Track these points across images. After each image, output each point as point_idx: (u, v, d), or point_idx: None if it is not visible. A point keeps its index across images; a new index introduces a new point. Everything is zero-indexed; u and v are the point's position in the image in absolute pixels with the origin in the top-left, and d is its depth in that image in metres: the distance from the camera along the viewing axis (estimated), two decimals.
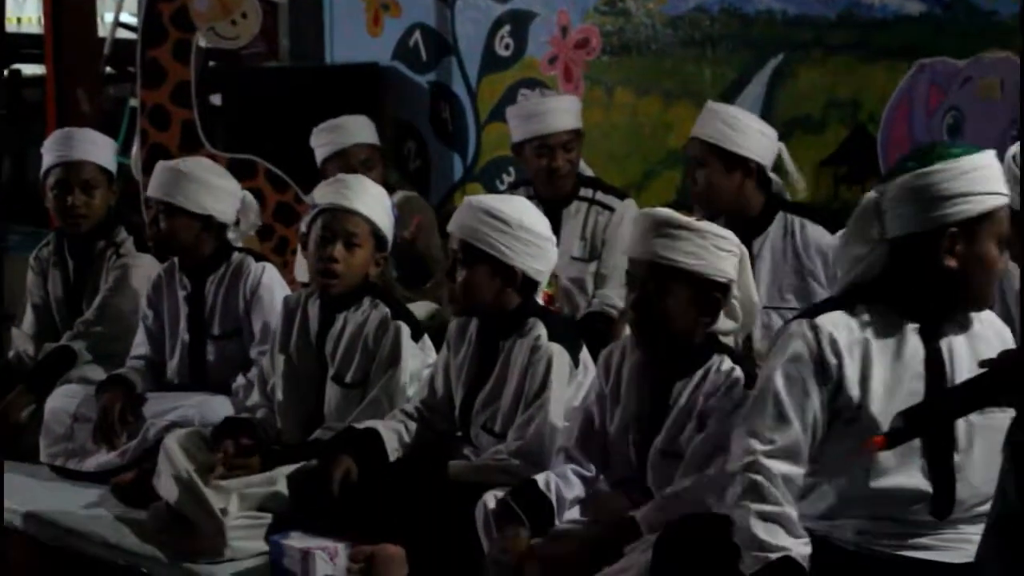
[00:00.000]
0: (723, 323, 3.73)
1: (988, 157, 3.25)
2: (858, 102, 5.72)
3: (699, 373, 3.71)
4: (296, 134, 6.36)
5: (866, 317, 3.26)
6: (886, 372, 3.23)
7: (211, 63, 7.82)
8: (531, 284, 4.19)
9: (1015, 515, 2.40)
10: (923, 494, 3.23)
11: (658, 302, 3.67)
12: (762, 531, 3.14)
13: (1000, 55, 5.21)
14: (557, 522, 3.78)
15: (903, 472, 3.23)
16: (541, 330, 4.11)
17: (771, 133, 5.11)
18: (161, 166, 5.23)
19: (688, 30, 6.26)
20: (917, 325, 3.27)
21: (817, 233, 4.94)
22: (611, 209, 5.72)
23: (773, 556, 3.11)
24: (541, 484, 3.79)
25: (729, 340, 3.78)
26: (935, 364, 3.25)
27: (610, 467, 3.88)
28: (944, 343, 3.27)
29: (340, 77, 7.39)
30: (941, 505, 3.24)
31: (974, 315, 3.32)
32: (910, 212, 3.20)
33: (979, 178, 3.19)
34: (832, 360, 3.22)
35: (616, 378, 3.85)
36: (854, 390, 3.22)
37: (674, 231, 3.66)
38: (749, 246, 4.93)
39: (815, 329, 3.24)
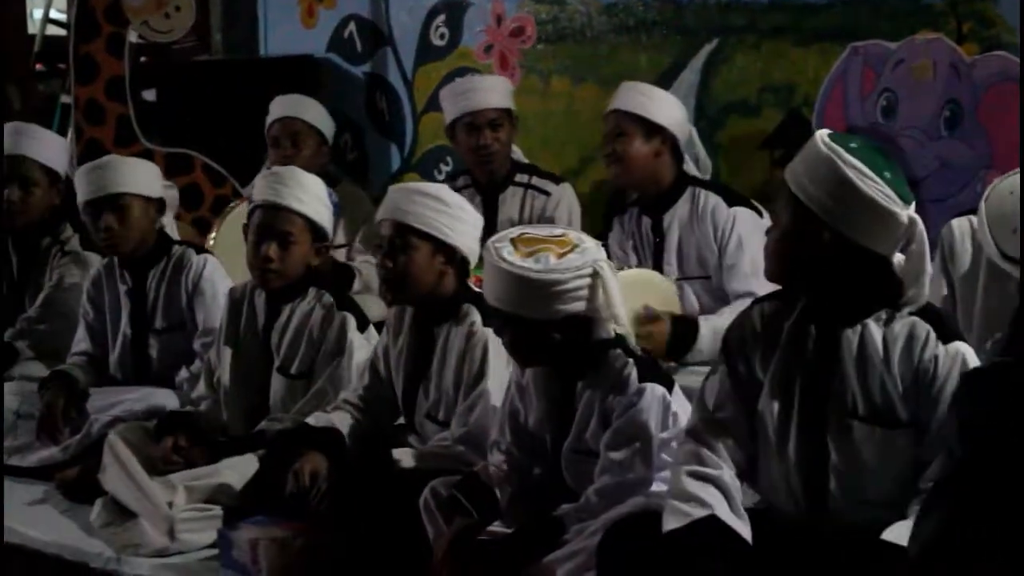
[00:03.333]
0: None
1: None
2: (792, 86, 5.77)
3: (596, 372, 3.70)
4: (232, 128, 6.34)
5: (791, 308, 3.28)
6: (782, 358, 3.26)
7: (142, 59, 7.76)
8: (466, 266, 4.19)
9: (961, 475, 2.42)
10: (789, 488, 3.25)
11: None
12: (694, 487, 3.14)
13: (932, 37, 5.27)
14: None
15: (795, 458, 3.23)
16: (476, 315, 4.12)
17: (684, 111, 5.33)
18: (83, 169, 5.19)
19: (623, 17, 6.29)
20: (819, 317, 3.25)
21: (715, 203, 5.08)
22: (547, 193, 5.77)
23: (699, 513, 3.09)
24: (483, 477, 3.79)
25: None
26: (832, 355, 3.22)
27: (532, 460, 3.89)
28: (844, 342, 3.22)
29: (275, 70, 7.36)
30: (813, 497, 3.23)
31: (889, 318, 3.23)
32: None
33: None
34: (750, 343, 3.28)
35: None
36: (761, 371, 3.28)
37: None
38: (659, 219, 5.05)
39: (748, 313, 3.30)
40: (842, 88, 5.50)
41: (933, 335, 3.13)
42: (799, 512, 3.23)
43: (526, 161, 5.95)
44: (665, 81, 6.01)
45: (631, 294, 4.00)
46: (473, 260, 4.21)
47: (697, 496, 3.11)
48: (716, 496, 3.11)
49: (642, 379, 3.65)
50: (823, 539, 3.18)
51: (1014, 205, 3.80)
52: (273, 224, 4.50)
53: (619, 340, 3.72)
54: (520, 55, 6.63)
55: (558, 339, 3.62)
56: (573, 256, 3.58)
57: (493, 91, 5.80)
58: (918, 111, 5.27)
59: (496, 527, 3.72)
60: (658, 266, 5.18)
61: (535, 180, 5.80)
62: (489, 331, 4.07)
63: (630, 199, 5.40)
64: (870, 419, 3.14)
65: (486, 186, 5.73)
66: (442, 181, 6.29)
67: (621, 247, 5.32)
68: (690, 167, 5.28)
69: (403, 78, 7.10)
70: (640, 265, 5.20)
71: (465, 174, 5.91)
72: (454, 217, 4.13)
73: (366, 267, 5.72)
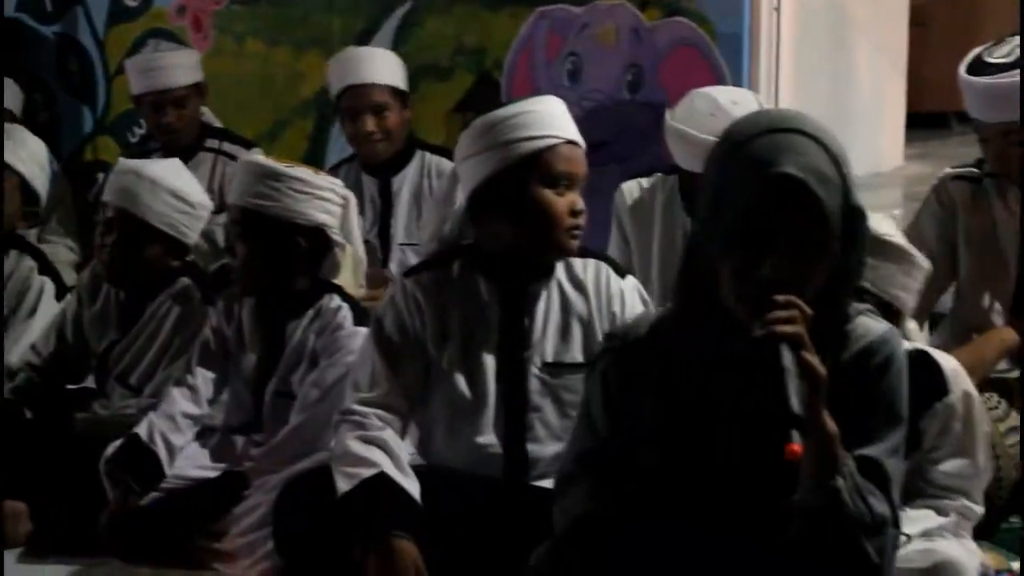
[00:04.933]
0: (328, 267, 3.77)
1: (533, 103, 3.26)
2: (484, 49, 5.83)
3: (310, 313, 3.74)
4: None
5: (451, 273, 3.28)
6: (463, 325, 3.25)
7: None
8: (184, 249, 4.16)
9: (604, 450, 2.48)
10: (495, 455, 3.24)
11: (250, 247, 3.72)
12: (360, 448, 3.13)
13: (614, 2, 5.40)
14: (167, 471, 3.75)
15: (479, 432, 3.24)
16: (194, 291, 4.11)
17: None
18: None
19: None
20: (495, 277, 3.27)
21: (447, 166, 5.02)
22: (237, 159, 5.69)
23: (367, 472, 3.09)
24: (144, 436, 3.75)
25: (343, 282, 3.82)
26: (514, 316, 3.26)
27: (238, 409, 3.88)
28: (528, 298, 3.25)
29: None
30: (513, 466, 3.24)
31: (568, 266, 3.29)
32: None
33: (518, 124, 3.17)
34: (415, 317, 3.26)
35: (238, 323, 3.86)
36: (433, 347, 3.26)
37: (259, 175, 3.73)
38: (387, 183, 5.05)
39: (404, 288, 3.29)
40: (529, 52, 5.58)
41: (613, 272, 3.23)
42: (489, 470, 3.24)
43: (218, 125, 5.88)
44: (359, 44, 6.00)
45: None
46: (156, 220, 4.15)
47: (364, 457, 3.12)
48: (382, 456, 3.13)
49: (357, 323, 3.69)
50: (506, 496, 3.22)
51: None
52: None
53: (338, 287, 3.77)
54: (214, 17, 6.54)
55: (303, 247, 3.67)
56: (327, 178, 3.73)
57: (178, 68, 5.68)
58: (602, 75, 5.40)
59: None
60: (384, 231, 5.14)
61: (226, 146, 5.73)
62: (207, 307, 4.04)
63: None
64: (571, 368, 3.20)
65: (175, 152, 5.64)
66: (134, 144, 6.20)
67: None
68: None
69: (95, 39, 6.93)
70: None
71: (155, 138, 5.82)
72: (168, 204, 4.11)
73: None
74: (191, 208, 4.16)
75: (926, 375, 3.11)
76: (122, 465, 3.72)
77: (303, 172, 3.76)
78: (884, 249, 3.14)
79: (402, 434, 3.27)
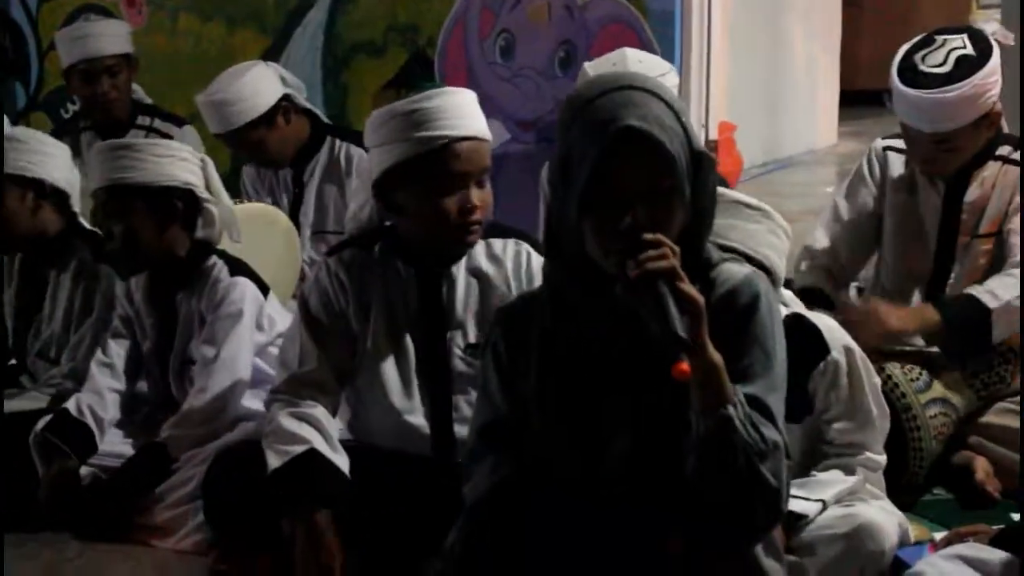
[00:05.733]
0: (204, 229, 3.77)
1: (432, 96, 3.14)
2: (417, 27, 5.85)
3: (197, 282, 3.76)
4: None
5: (372, 254, 3.27)
6: (385, 307, 3.26)
7: None
8: (65, 200, 4.14)
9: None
10: (423, 435, 3.24)
11: (123, 224, 3.70)
12: (291, 425, 3.13)
13: None
14: (99, 443, 3.76)
15: (406, 412, 3.25)
16: (86, 252, 4.07)
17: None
18: None
19: None
20: (412, 260, 3.25)
21: (357, 153, 5.01)
22: (169, 136, 5.67)
23: (298, 449, 3.09)
24: (73, 410, 3.75)
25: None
26: (432, 298, 3.26)
27: (153, 387, 3.90)
28: (445, 281, 3.25)
29: None
30: (440, 445, 3.24)
31: (488, 246, 3.26)
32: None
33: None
34: (339, 295, 3.25)
35: (135, 303, 3.88)
36: (357, 323, 3.26)
37: (117, 152, 3.71)
38: (300, 171, 5.05)
39: (327, 267, 3.29)
40: (462, 29, 5.60)
41: (532, 250, 3.26)
42: (417, 449, 3.26)
43: (149, 102, 5.86)
44: (293, 20, 6.02)
45: (252, 226, 4.10)
46: (73, 193, 4.14)
47: (295, 433, 3.14)
48: (312, 432, 3.14)
49: (233, 274, 3.72)
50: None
51: None
52: None
53: (212, 246, 3.80)
54: None
55: (180, 208, 3.69)
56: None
57: (109, 37, 5.63)
58: (534, 52, 5.43)
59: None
60: (294, 218, 5.13)
61: (157, 123, 5.70)
62: (102, 268, 4.04)
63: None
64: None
65: (106, 129, 5.61)
66: (67, 120, 6.18)
67: (255, 189, 5.26)
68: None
69: (27, 14, 6.92)
70: None
71: (86, 116, 5.79)
72: (35, 151, 4.07)
73: None
74: (48, 147, 4.10)
75: (804, 338, 3.15)
76: (55, 437, 3.71)
77: (157, 139, 3.81)
78: (747, 212, 3.19)
79: (333, 411, 3.29)
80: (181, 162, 3.76)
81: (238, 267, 3.78)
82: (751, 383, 2.30)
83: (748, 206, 3.21)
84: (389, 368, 3.24)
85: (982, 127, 3.89)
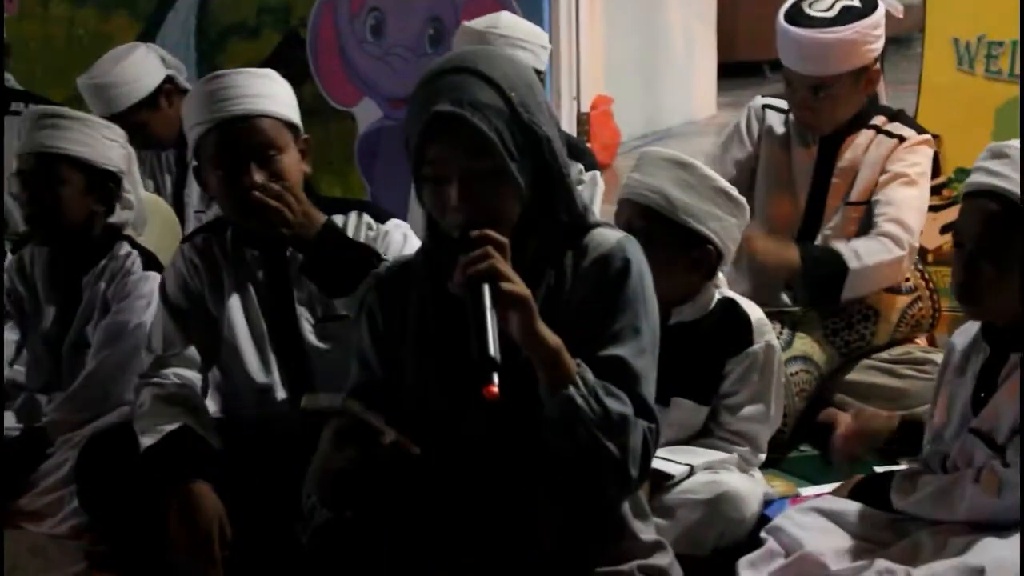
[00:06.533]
0: (120, 215, 3.79)
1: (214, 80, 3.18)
2: (289, 7, 5.86)
3: (102, 262, 3.77)
4: None
5: (224, 239, 3.31)
6: (237, 289, 3.31)
7: None
8: None
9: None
10: (269, 385, 3.30)
11: (52, 193, 3.69)
12: (160, 406, 3.17)
13: None
14: None
15: (268, 388, 3.29)
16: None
17: None
18: None
19: None
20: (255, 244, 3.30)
21: None
22: None
23: (170, 427, 3.12)
24: None
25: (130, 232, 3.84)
26: (278, 278, 3.31)
27: (38, 371, 3.90)
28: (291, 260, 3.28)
29: None
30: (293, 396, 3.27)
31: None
32: None
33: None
34: (194, 279, 3.30)
35: (31, 280, 3.87)
36: (213, 306, 3.30)
37: (63, 121, 3.70)
38: (183, 153, 4.99)
39: (182, 252, 3.34)
40: (332, 8, 5.62)
41: (372, 218, 3.30)
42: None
43: (20, 88, 5.82)
44: (165, 4, 6.01)
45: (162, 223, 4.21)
46: None
47: (165, 412, 3.18)
48: (182, 411, 3.18)
49: (146, 268, 3.72)
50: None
51: None
52: None
53: (127, 235, 3.80)
54: None
55: (111, 190, 3.71)
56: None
57: None
58: (404, 29, 5.46)
59: None
60: (178, 198, 5.12)
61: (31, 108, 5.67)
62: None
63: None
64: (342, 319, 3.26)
65: None
66: None
67: (154, 178, 5.22)
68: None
69: None
70: (159, 193, 5.14)
71: None
72: None
73: None
74: None
75: (733, 323, 3.25)
76: None
77: (96, 117, 3.80)
78: (728, 204, 3.26)
79: (204, 391, 3.33)
80: (120, 147, 3.77)
81: (152, 261, 3.76)
82: (620, 345, 2.36)
83: (729, 197, 3.29)
84: (247, 346, 3.29)
85: (860, 82, 3.99)
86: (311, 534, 2.48)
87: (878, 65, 4.03)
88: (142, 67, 4.95)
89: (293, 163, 3.14)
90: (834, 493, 3.03)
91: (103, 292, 3.75)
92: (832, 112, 4.01)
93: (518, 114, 2.33)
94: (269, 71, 3.22)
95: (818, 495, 3.16)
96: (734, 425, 3.26)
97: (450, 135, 2.30)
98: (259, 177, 3.08)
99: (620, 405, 2.31)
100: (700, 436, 3.28)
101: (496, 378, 2.17)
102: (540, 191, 2.39)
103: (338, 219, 3.28)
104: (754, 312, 3.32)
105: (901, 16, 4.37)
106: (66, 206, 3.70)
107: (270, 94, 3.14)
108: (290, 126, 3.16)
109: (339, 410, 2.32)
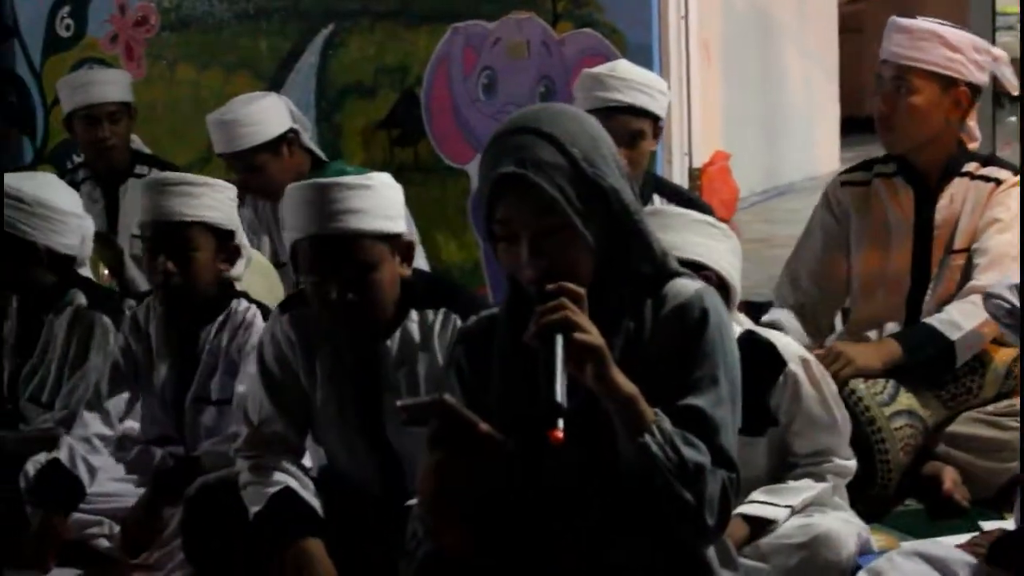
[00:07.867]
0: (237, 269, 3.88)
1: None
2: (406, 67, 5.97)
3: (220, 318, 3.84)
4: None
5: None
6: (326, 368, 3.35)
7: None
8: (64, 259, 4.21)
9: None
10: (371, 476, 3.34)
11: (185, 258, 3.77)
12: (262, 474, 3.25)
13: (524, 16, 5.55)
14: (89, 490, 3.82)
15: (350, 459, 3.36)
16: (82, 299, 4.17)
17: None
18: None
19: (242, 3, 6.41)
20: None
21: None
22: None
23: (273, 489, 3.20)
24: (65, 460, 3.82)
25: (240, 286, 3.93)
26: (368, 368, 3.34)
27: (153, 423, 3.99)
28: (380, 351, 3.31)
29: None
30: (389, 485, 3.30)
31: (418, 319, 3.33)
32: None
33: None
34: (289, 352, 3.34)
35: (147, 337, 3.95)
36: (306, 380, 3.34)
37: (192, 188, 3.78)
38: None
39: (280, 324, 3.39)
40: (446, 68, 5.72)
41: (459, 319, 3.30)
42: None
43: (147, 151, 5.97)
44: (287, 65, 6.15)
45: (258, 275, 4.24)
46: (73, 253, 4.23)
47: (268, 479, 3.24)
48: (284, 476, 3.25)
49: (265, 319, 3.76)
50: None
51: None
52: None
53: (242, 292, 3.90)
54: (145, 44, 6.67)
55: (232, 247, 3.82)
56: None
57: (111, 84, 5.76)
58: (515, 88, 5.54)
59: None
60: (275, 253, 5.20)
61: (155, 172, 5.80)
62: (95, 315, 4.13)
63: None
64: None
65: (106, 178, 5.72)
66: (68, 171, 6.29)
67: (254, 232, 5.32)
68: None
69: (31, 70, 7.05)
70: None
71: (85, 167, 5.89)
72: (37, 216, 4.13)
73: None
74: (54, 215, 4.15)
75: (760, 354, 3.24)
76: (45, 487, 3.80)
77: (216, 180, 3.88)
78: (712, 231, 3.30)
79: (298, 461, 3.37)
80: (237, 207, 3.90)
81: (267, 313, 3.80)
82: (698, 395, 2.39)
83: (713, 226, 3.32)
84: (333, 428, 3.35)
85: (946, 99, 3.95)
86: (416, 568, 2.51)
87: (969, 93, 3.97)
88: (270, 112, 5.08)
89: (385, 276, 3.17)
90: (966, 548, 2.93)
91: (225, 347, 3.82)
92: (910, 118, 3.96)
93: (581, 169, 2.37)
94: (373, 177, 3.20)
95: None
96: (808, 448, 3.27)
97: (515, 195, 2.36)
98: (347, 293, 3.12)
99: (697, 454, 2.32)
100: (785, 471, 3.28)
101: (561, 423, 2.21)
102: (614, 241, 2.42)
103: (429, 315, 3.28)
104: (776, 337, 3.33)
105: (1015, 92, 4.24)
106: (200, 270, 3.79)
107: (368, 209, 3.12)
108: (388, 237, 3.17)
109: (435, 402, 2.35)
